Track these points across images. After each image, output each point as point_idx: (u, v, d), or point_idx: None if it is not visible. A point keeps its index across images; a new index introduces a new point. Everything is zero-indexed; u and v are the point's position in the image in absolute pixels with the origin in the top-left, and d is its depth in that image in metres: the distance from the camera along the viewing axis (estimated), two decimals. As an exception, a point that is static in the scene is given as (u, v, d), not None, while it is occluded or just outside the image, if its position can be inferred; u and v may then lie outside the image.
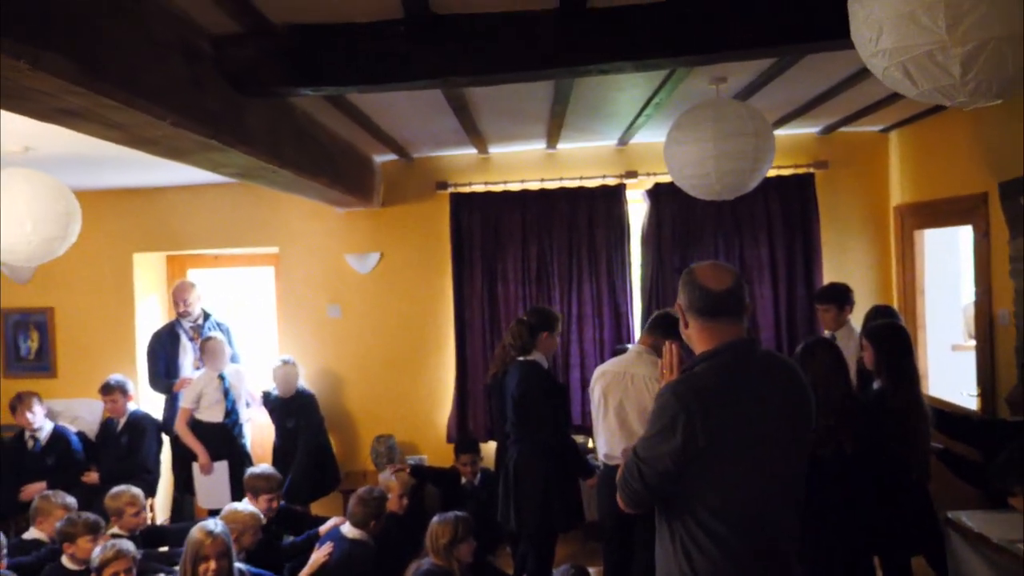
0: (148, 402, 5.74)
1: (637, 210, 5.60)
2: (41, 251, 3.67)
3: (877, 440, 3.36)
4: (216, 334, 5.31)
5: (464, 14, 2.63)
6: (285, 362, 5.29)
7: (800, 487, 2.17)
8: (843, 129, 5.31)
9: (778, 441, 2.08)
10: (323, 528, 4.14)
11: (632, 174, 5.52)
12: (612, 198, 5.49)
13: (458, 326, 5.61)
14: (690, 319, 2.17)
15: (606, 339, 5.50)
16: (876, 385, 3.54)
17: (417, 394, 5.82)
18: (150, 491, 5.13)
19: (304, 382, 5.47)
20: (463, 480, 5.03)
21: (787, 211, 5.38)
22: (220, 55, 2.69)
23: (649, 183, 5.47)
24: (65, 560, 3.68)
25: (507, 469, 4.12)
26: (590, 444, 5.28)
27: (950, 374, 5.04)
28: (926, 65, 1.67)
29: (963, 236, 5.04)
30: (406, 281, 5.81)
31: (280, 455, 5.20)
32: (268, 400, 5.38)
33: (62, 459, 5.12)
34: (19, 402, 5.07)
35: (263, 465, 4.54)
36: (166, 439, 5.45)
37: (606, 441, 3.86)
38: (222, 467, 5.07)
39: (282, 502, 4.37)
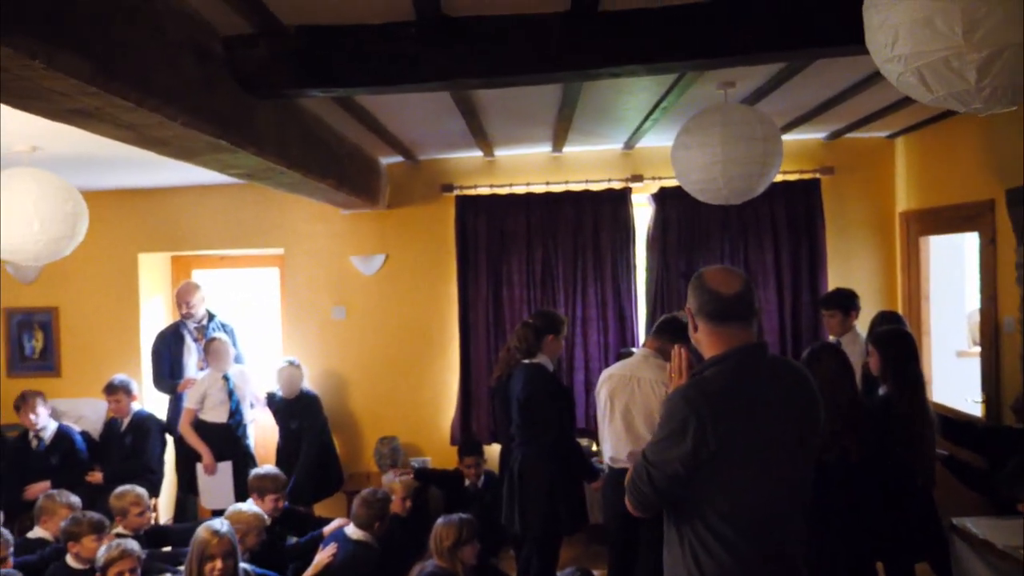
0: (152, 402, 5.75)
1: (642, 214, 5.61)
2: (48, 251, 3.67)
3: (882, 446, 3.36)
4: (220, 335, 5.31)
5: (474, 16, 2.63)
6: (289, 363, 5.30)
7: (807, 491, 2.18)
8: (849, 135, 5.31)
9: (787, 445, 2.09)
10: (327, 529, 4.14)
11: (638, 178, 5.52)
12: (617, 202, 5.49)
13: (462, 328, 5.61)
14: (700, 323, 2.17)
15: (610, 343, 5.50)
16: (882, 391, 3.54)
17: (421, 396, 5.82)
18: (154, 491, 5.14)
19: (308, 383, 5.47)
20: (467, 482, 5.02)
21: (792, 216, 5.38)
22: (231, 56, 2.70)
23: (654, 187, 5.47)
24: (70, 559, 3.69)
25: (512, 472, 4.12)
26: (595, 447, 5.27)
27: (955, 381, 5.03)
28: (942, 71, 1.67)
29: (969, 243, 5.04)
30: (411, 283, 5.81)
31: (284, 456, 5.21)
32: (272, 401, 5.38)
33: (66, 459, 5.11)
34: (23, 401, 5.06)
35: (267, 466, 4.56)
36: (170, 439, 5.46)
37: (612, 444, 3.86)
38: (226, 468, 5.07)
39: (286, 503, 4.37)
